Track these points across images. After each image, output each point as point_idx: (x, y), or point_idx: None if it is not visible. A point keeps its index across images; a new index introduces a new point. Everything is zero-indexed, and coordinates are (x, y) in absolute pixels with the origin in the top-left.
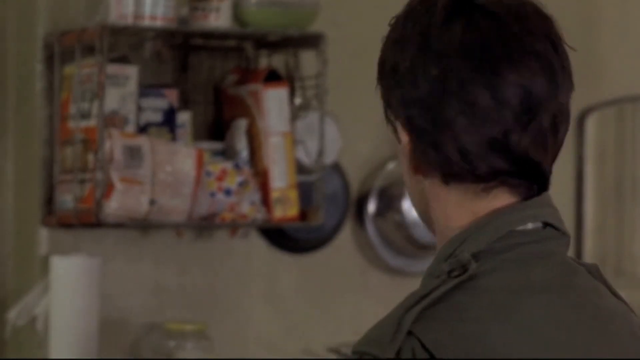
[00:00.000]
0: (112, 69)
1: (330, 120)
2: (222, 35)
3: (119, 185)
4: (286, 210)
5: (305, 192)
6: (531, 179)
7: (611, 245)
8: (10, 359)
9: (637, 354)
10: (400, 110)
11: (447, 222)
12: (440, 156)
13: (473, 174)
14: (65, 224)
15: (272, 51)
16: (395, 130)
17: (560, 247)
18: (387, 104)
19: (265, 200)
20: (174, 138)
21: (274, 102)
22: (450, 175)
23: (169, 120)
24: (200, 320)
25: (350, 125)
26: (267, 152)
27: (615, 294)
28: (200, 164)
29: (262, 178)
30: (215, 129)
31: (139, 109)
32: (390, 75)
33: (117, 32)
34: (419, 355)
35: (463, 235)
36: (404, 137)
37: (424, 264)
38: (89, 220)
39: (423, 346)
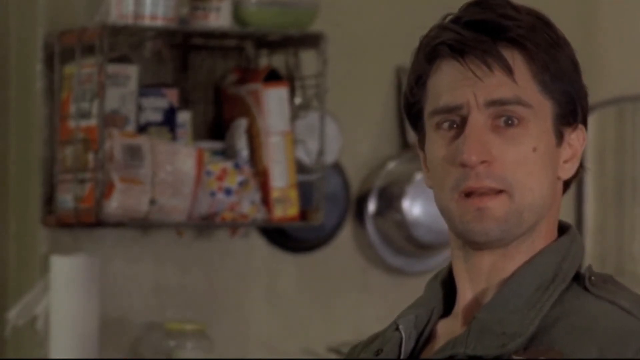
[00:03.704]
0: (112, 68)
1: (330, 119)
2: (222, 35)
3: (119, 185)
4: (286, 209)
5: (306, 192)
6: None
7: (611, 245)
8: (10, 359)
9: None
10: (585, 117)
11: (555, 229)
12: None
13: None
14: (65, 224)
15: (272, 51)
16: (561, 137)
17: None
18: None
19: (266, 200)
20: (174, 138)
21: (274, 101)
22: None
23: (169, 119)
24: (200, 320)
25: (350, 125)
26: (267, 151)
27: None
28: (200, 163)
29: (262, 178)
30: (216, 129)
31: (139, 108)
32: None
33: (117, 32)
34: None
35: (565, 247)
36: (579, 143)
37: (424, 264)
38: (89, 220)
39: None
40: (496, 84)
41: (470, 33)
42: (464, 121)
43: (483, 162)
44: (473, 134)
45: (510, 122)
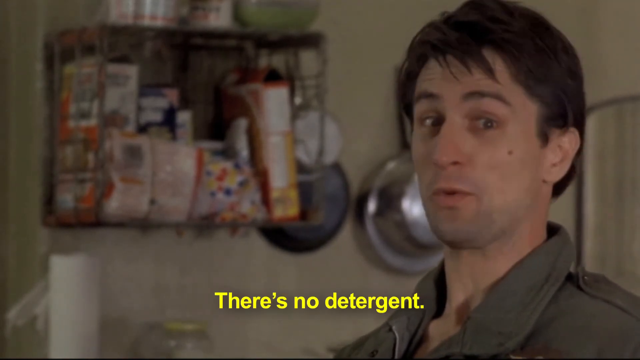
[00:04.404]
0: (112, 68)
1: (330, 120)
2: (222, 35)
3: (119, 185)
4: (286, 209)
5: (305, 192)
6: None
7: (611, 245)
8: (10, 359)
9: None
10: (579, 121)
11: (542, 231)
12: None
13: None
14: (65, 224)
15: (272, 51)
16: (547, 140)
17: None
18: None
19: (266, 200)
20: (174, 137)
21: (274, 101)
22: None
23: (169, 119)
24: (200, 320)
25: (350, 125)
26: (267, 151)
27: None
28: (200, 163)
29: (262, 178)
30: (216, 129)
31: (139, 108)
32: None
33: (117, 32)
34: None
35: (558, 247)
36: (571, 147)
37: (424, 264)
38: (89, 220)
39: None
40: (475, 80)
41: (455, 33)
42: (442, 120)
43: (455, 163)
44: (447, 134)
45: (489, 124)
